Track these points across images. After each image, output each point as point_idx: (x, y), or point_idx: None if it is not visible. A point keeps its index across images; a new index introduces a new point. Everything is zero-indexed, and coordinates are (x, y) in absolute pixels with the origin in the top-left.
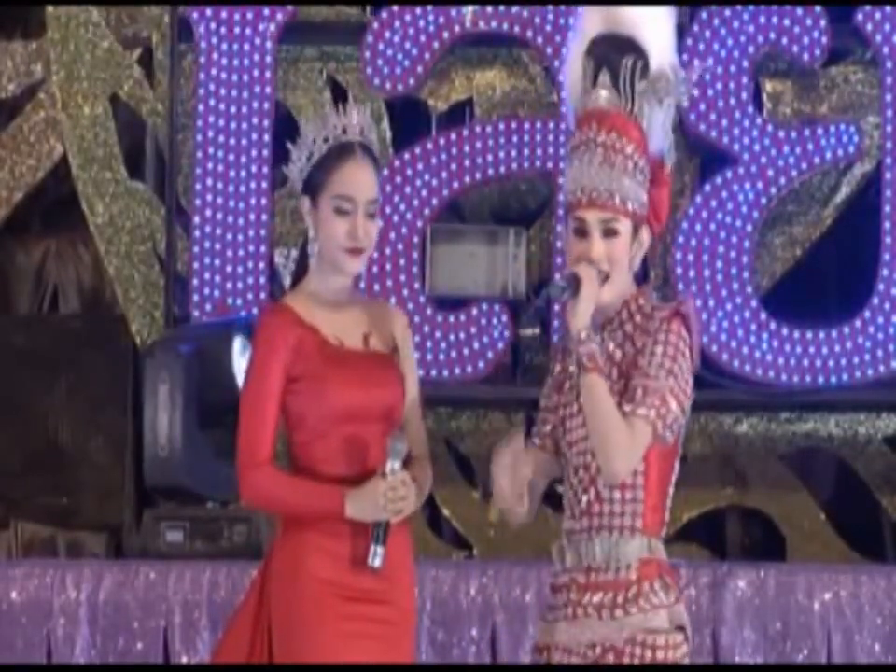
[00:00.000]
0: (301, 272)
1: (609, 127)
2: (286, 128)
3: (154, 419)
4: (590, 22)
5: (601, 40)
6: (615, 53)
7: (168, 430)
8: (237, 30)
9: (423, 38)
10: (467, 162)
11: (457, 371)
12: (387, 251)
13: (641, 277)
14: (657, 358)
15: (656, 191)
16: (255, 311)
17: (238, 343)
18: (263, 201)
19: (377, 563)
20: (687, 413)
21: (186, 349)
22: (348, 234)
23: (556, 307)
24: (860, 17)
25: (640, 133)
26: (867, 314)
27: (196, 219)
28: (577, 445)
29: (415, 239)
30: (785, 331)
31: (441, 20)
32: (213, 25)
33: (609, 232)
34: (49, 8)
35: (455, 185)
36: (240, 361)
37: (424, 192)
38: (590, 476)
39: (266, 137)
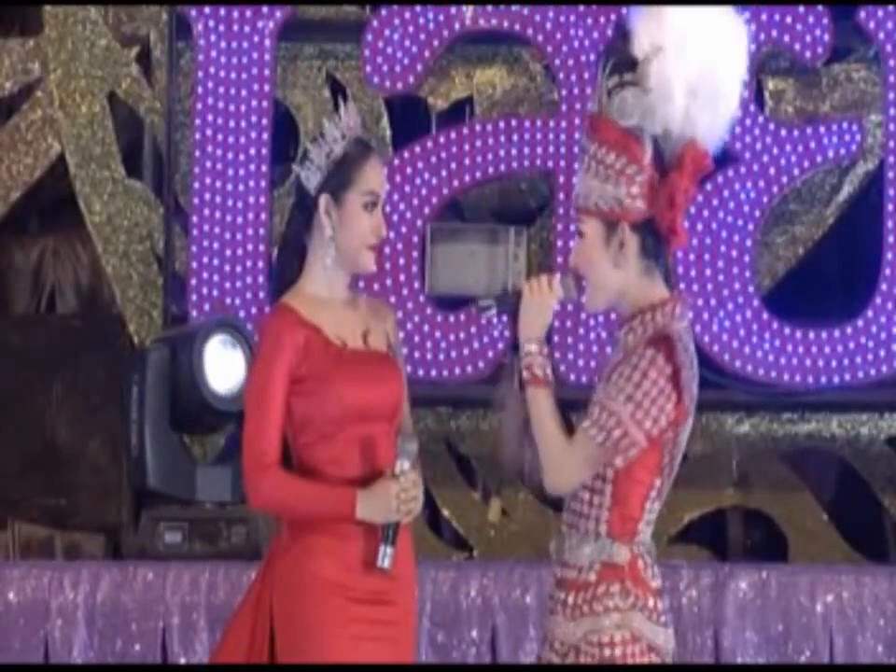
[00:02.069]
0: (286, 273)
1: (585, 130)
2: (285, 126)
3: (128, 420)
4: None
5: (612, 39)
6: (606, 51)
7: (137, 431)
8: (236, 28)
9: (423, 36)
10: (467, 161)
11: (457, 370)
12: (387, 250)
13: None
14: (622, 382)
15: (673, 176)
16: (253, 310)
17: (216, 342)
18: (262, 199)
19: (386, 564)
20: (660, 436)
21: (156, 350)
22: (374, 230)
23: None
24: (862, 15)
25: (612, 130)
26: (869, 313)
27: (194, 218)
28: None
29: (415, 238)
30: (787, 331)
31: (441, 17)
32: (211, 23)
33: (579, 234)
34: (47, 6)
35: (455, 184)
36: (221, 360)
37: (424, 191)
38: None
39: (265, 136)
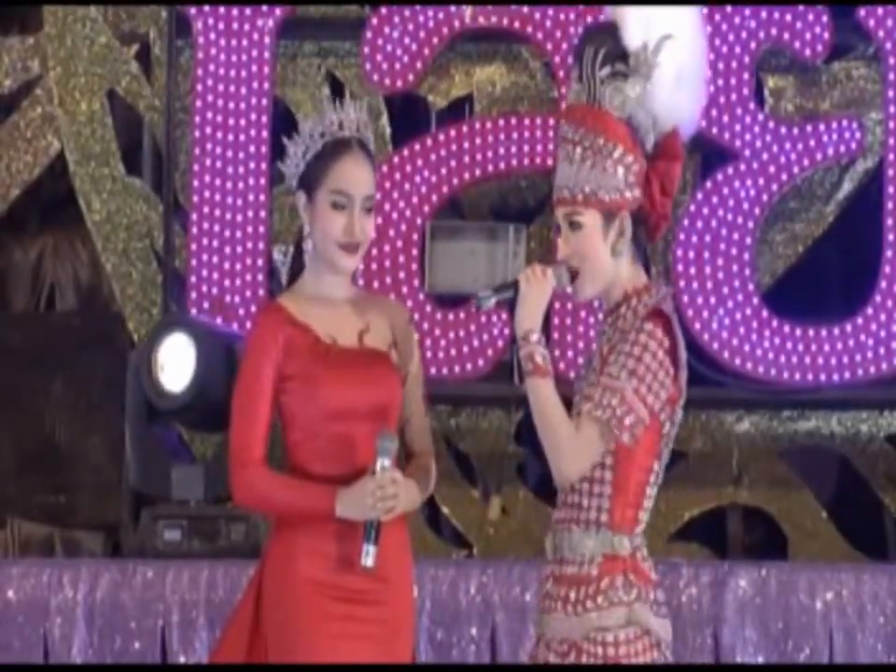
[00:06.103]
0: (296, 269)
1: (571, 121)
2: (284, 124)
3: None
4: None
5: (585, 31)
6: (586, 43)
7: (123, 429)
8: (235, 26)
9: (422, 34)
10: (466, 159)
11: (457, 368)
12: (387, 248)
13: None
14: (622, 358)
15: (665, 164)
16: (253, 308)
17: (167, 341)
18: (262, 197)
19: (369, 562)
20: (659, 413)
21: (135, 350)
22: (344, 230)
23: (557, 305)
24: (862, 12)
25: (609, 121)
26: (869, 311)
27: (194, 216)
28: None
29: (415, 236)
30: (787, 329)
31: (441, 15)
32: (211, 21)
33: (573, 226)
34: (47, 4)
35: (455, 181)
36: (172, 359)
37: (423, 189)
38: None
39: (264, 133)
